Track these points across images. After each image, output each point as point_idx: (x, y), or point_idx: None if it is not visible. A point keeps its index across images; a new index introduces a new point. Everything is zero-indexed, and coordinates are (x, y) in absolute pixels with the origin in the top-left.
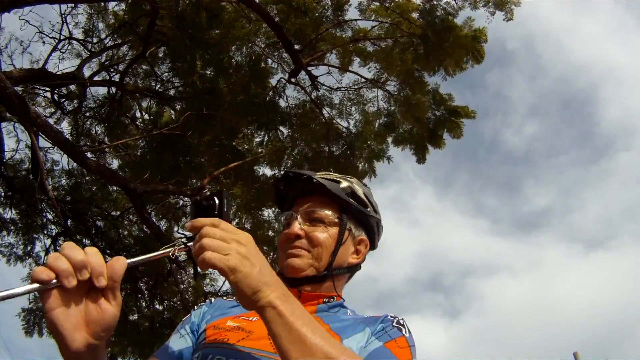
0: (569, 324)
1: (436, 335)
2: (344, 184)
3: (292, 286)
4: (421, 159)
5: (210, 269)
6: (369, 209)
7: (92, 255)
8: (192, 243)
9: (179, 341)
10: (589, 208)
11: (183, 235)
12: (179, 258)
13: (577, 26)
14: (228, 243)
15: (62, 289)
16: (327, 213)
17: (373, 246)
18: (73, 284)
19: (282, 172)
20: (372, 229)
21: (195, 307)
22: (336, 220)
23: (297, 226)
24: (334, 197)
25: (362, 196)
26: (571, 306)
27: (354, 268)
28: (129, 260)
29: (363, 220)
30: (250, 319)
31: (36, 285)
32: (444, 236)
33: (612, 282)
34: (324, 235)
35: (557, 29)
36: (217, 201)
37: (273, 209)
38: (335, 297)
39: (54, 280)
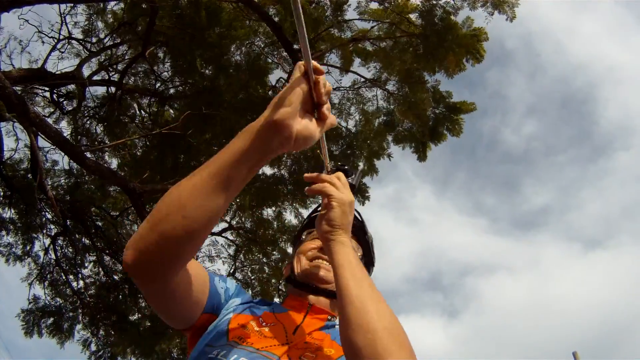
0: (567, 323)
1: (435, 334)
2: (369, 233)
3: (309, 292)
4: (422, 156)
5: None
6: (374, 262)
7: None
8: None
9: (219, 287)
10: (588, 207)
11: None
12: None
13: (577, 25)
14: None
15: (308, 89)
16: (357, 248)
17: None
18: (322, 92)
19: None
20: None
21: (226, 275)
22: (359, 256)
23: None
24: (363, 241)
25: (374, 250)
26: (570, 305)
27: None
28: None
29: (369, 269)
30: (270, 324)
31: (311, 63)
32: (443, 235)
33: (610, 282)
34: None
35: (557, 28)
36: (357, 173)
37: (273, 208)
38: (336, 317)
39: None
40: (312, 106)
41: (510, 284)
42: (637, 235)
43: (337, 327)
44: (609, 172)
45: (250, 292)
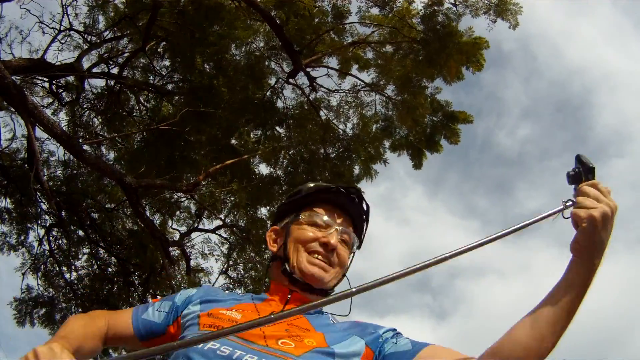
0: None
1: (424, 336)
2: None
3: (301, 289)
4: (417, 164)
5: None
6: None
7: None
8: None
9: (154, 314)
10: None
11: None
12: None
13: (574, 29)
14: (599, 202)
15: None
16: (354, 242)
17: None
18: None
19: (326, 184)
20: None
21: (182, 288)
22: (353, 251)
23: (336, 239)
24: (359, 230)
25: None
26: None
27: None
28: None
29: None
30: (243, 311)
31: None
32: (434, 236)
33: (602, 290)
34: (346, 258)
35: (554, 32)
36: (580, 167)
37: (268, 207)
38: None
39: None
40: None
41: (500, 288)
42: (630, 244)
43: (317, 313)
44: (603, 179)
45: (242, 289)
